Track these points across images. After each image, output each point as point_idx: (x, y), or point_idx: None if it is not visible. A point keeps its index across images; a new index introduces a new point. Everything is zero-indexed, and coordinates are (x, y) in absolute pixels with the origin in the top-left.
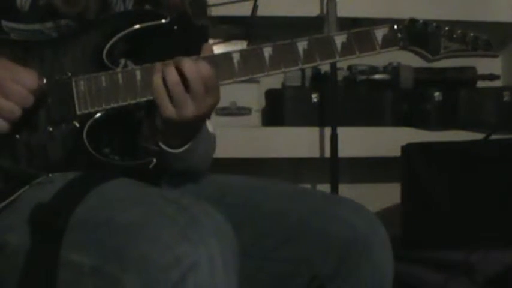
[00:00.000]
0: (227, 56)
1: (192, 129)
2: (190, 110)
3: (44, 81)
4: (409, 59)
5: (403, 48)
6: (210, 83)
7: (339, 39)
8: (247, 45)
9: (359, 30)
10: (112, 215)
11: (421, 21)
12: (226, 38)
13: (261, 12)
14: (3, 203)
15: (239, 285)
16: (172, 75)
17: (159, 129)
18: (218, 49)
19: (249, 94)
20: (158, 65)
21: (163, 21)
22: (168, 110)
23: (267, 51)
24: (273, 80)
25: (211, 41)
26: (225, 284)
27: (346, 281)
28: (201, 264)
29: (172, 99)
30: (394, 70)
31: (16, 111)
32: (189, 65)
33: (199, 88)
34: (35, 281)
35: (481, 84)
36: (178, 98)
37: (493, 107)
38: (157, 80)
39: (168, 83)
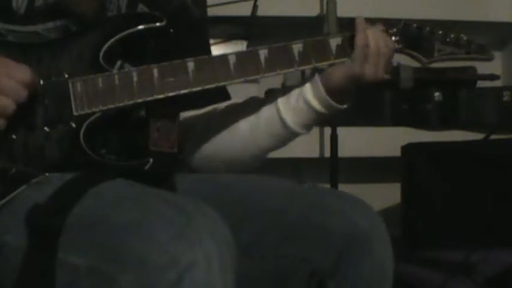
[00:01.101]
0: (223, 58)
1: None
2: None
3: (41, 82)
4: (409, 59)
5: (398, 51)
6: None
7: (334, 42)
8: (247, 45)
9: (353, 33)
10: (109, 215)
11: (414, 25)
12: (226, 38)
13: (261, 12)
14: (0, 203)
15: (236, 285)
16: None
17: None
18: (218, 49)
19: (249, 94)
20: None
21: (158, 24)
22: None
23: (263, 53)
24: (273, 80)
25: (211, 41)
26: (222, 284)
27: (346, 276)
28: (197, 264)
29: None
30: (394, 70)
31: (10, 105)
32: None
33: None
34: (32, 282)
35: (481, 84)
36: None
37: (493, 107)
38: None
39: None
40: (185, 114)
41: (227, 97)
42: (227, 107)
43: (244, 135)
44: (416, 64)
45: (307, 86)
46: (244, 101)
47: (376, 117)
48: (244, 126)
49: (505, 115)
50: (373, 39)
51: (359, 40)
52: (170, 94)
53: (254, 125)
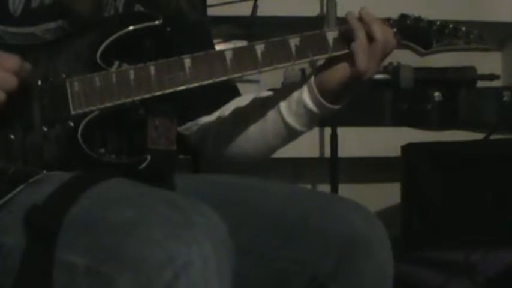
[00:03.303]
0: (220, 54)
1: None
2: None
3: (39, 83)
4: (409, 59)
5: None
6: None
7: (331, 35)
8: None
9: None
10: (106, 215)
11: (412, 16)
12: (226, 38)
13: (261, 12)
14: None
15: (233, 285)
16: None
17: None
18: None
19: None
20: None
21: (157, 22)
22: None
23: (259, 48)
24: (273, 80)
25: None
26: (218, 284)
27: (346, 280)
28: (194, 263)
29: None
30: (394, 70)
31: (0, 95)
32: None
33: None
34: (31, 282)
35: (481, 84)
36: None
37: (493, 107)
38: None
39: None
40: (199, 121)
41: (238, 94)
42: (235, 111)
43: (254, 138)
44: (415, 57)
45: (305, 92)
46: (249, 103)
47: (376, 117)
48: (254, 129)
49: (505, 115)
50: (380, 34)
51: (359, 59)
52: (167, 91)
53: (262, 128)
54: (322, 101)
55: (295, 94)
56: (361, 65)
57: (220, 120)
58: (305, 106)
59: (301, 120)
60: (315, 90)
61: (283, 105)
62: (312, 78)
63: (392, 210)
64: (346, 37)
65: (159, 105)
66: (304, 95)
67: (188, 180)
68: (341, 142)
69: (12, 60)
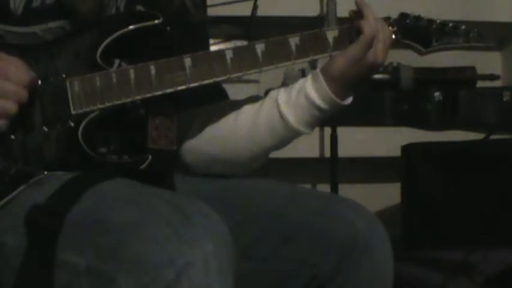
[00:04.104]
0: (220, 53)
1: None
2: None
3: (39, 82)
4: (409, 59)
5: (395, 42)
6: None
7: (331, 34)
8: None
9: (351, 25)
10: (107, 215)
11: (411, 15)
12: (226, 38)
13: (261, 12)
14: (0, 204)
15: (234, 286)
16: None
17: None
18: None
19: (249, 94)
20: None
21: (156, 21)
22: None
23: (260, 47)
24: (273, 80)
25: (211, 41)
26: (219, 284)
27: (346, 280)
28: (195, 264)
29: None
30: (394, 70)
31: (12, 107)
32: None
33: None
34: (32, 282)
35: (481, 84)
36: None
37: (493, 107)
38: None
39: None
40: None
41: (225, 97)
42: (226, 104)
43: (243, 133)
44: (415, 57)
45: (308, 80)
46: (244, 99)
47: (376, 117)
48: (243, 124)
49: (505, 115)
50: (380, 25)
51: (367, 25)
52: (168, 91)
53: (254, 122)
54: (328, 90)
55: (297, 84)
56: (379, 57)
57: (204, 116)
58: (306, 96)
59: (299, 112)
60: (321, 78)
61: (282, 95)
62: (318, 68)
63: (392, 210)
64: (348, 36)
65: (160, 105)
66: (308, 84)
67: (189, 180)
68: (341, 142)
69: (23, 73)
